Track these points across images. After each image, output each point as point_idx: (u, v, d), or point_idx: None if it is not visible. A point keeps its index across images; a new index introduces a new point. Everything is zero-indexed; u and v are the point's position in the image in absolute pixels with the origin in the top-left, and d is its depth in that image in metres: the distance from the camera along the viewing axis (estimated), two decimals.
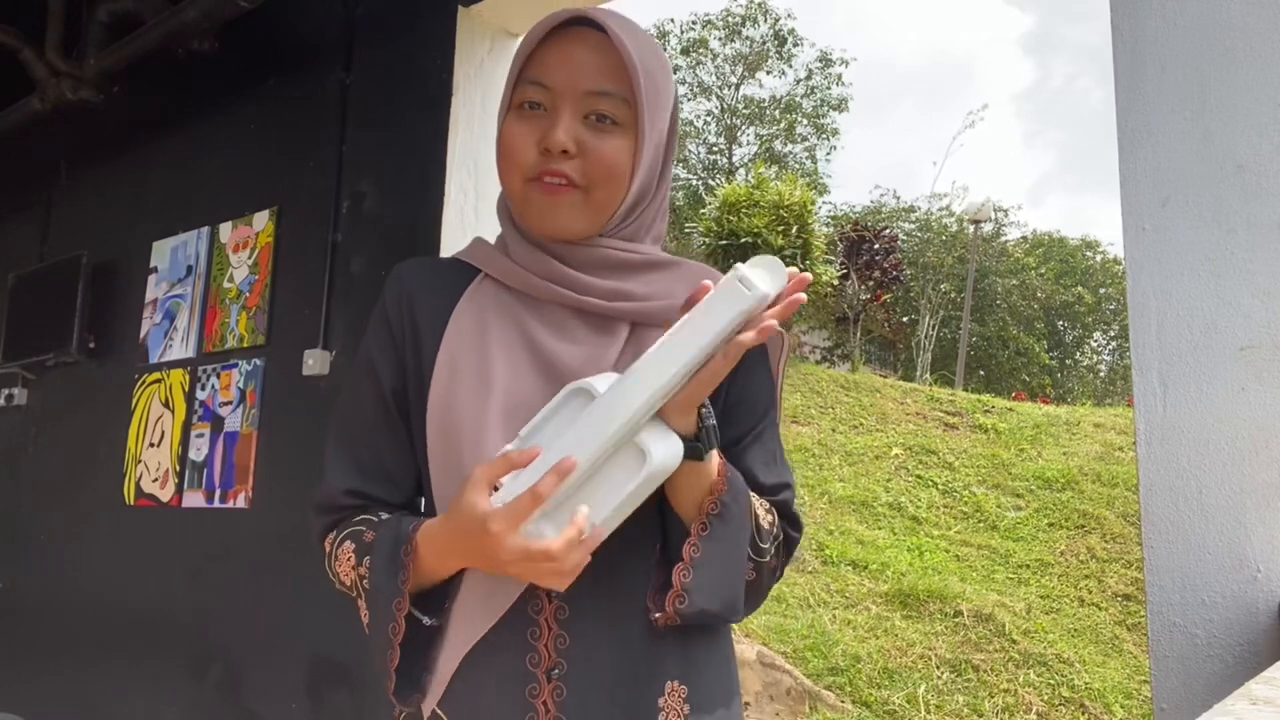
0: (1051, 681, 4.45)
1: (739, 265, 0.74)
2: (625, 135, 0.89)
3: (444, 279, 0.96)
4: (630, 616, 0.85)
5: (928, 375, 13.62)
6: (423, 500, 0.95)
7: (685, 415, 0.79)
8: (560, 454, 0.75)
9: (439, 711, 0.85)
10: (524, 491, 0.75)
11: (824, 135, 20.91)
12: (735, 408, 0.92)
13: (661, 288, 0.92)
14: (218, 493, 2.51)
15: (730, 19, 20.16)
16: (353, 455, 0.94)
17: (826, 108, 20.71)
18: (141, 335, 2.89)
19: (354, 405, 0.95)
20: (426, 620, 0.86)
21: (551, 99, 0.88)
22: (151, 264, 2.91)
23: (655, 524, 0.87)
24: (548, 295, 0.90)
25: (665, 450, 0.76)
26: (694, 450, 0.80)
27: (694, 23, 20.42)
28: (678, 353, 0.74)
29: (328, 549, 0.92)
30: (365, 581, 0.86)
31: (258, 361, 2.50)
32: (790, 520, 0.93)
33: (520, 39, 0.96)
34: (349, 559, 0.88)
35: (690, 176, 20.72)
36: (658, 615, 0.83)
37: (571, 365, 0.87)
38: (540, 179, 0.88)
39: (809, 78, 20.57)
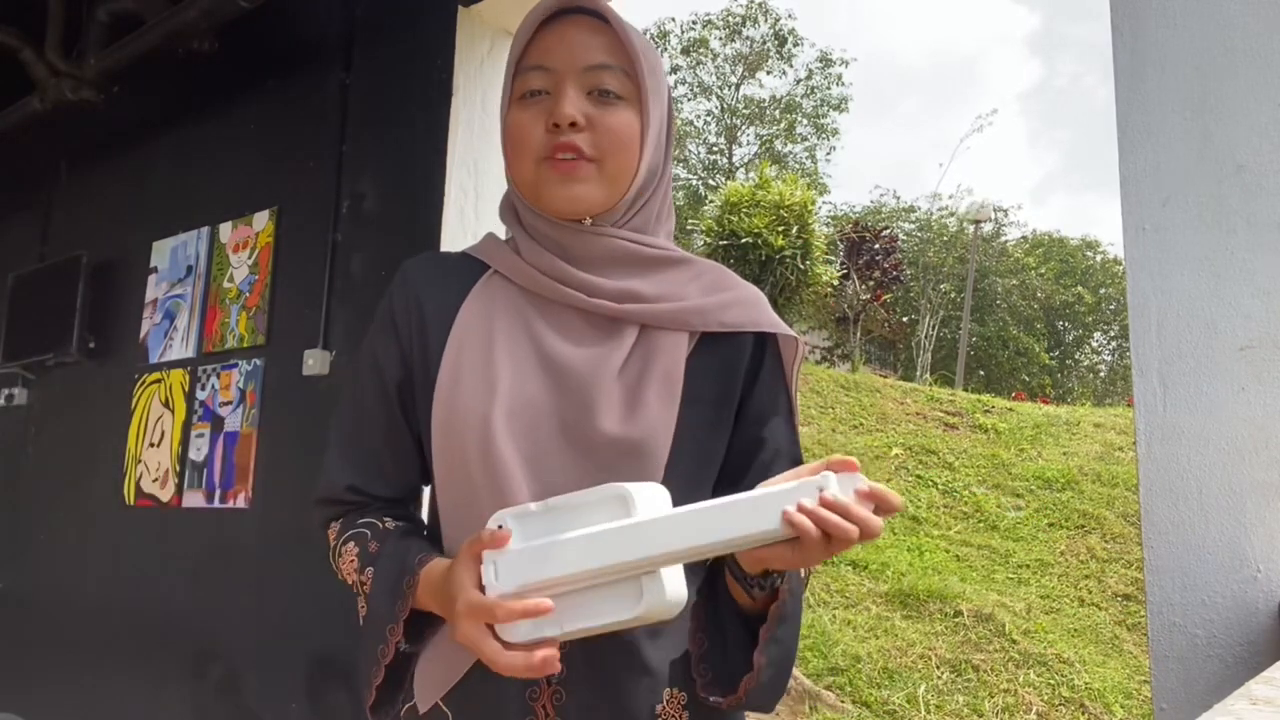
0: (1051, 681, 4.45)
1: (828, 474, 0.71)
2: (630, 108, 0.89)
3: (452, 274, 0.95)
4: None
5: (928, 375, 13.63)
6: (427, 494, 0.95)
7: (753, 567, 0.79)
8: (575, 550, 0.73)
9: (442, 706, 0.85)
10: (512, 598, 0.73)
11: (824, 135, 20.93)
12: (751, 424, 0.92)
13: (672, 288, 0.91)
14: (218, 493, 2.51)
15: (730, 19, 20.17)
16: (351, 451, 0.94)
17: (826, 108, 20.73)
18: (141, 335, 2.89)
19: (354, 400, 0.95)
20: (404, 646, 0.85)
21: (553, 80, 0.89)
22: (151, 264, 2.91)
23: None
24: (556, 296, 0.90)
25: (664, 600, 0.73)
26: (748, 591, 0.80)
27: (694, 23, 20.46)
28: (727, 525, 0.72)
29: (332, 542, 0.92)
30: (366, 588, 0.87)
31: (258, 361, 2.50)
32: None
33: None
34: (352, 561, 0.89)
35: (690, 176, 20.73)
36: (716, 699, 0.83)
37: (577, 367, 0.86)
38: (552, 157, 0.88)
39: (809, 78, 20.59)
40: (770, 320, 0.93)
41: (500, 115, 0.94)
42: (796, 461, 0.94)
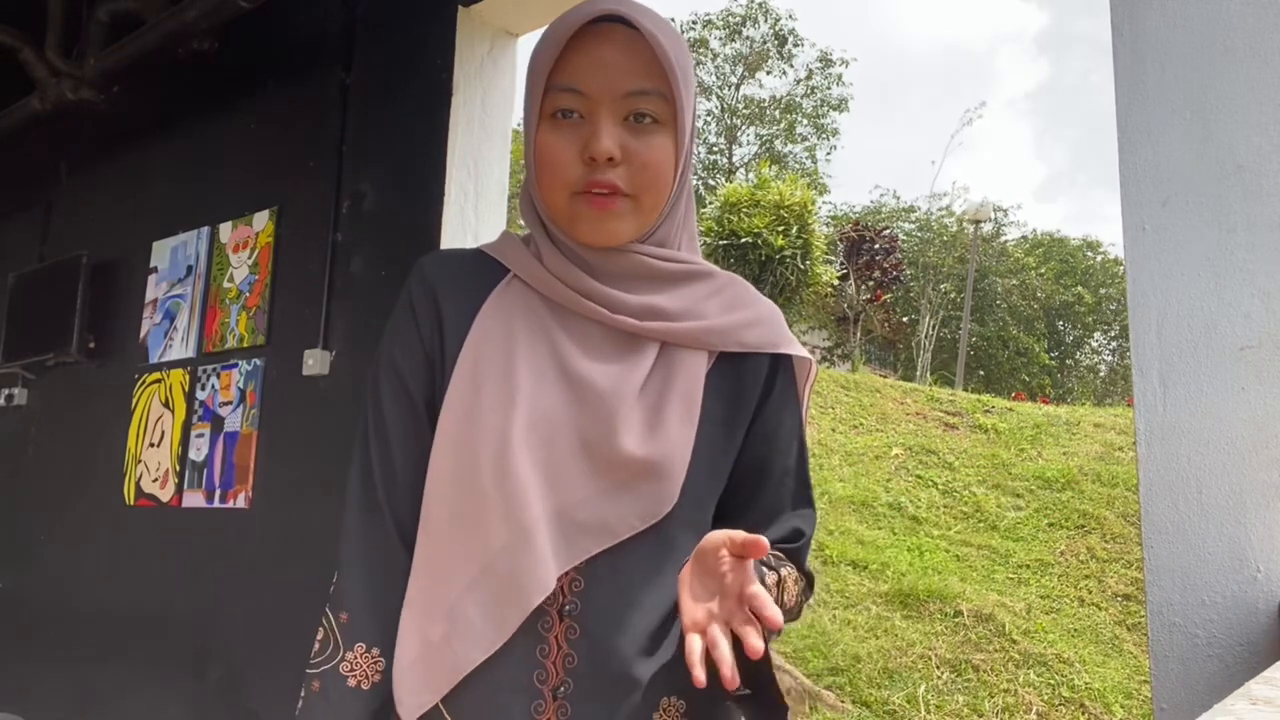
0: (1051, 681, 4.46)
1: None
2: (665, 132, 0.87)
3: (469, 275, 0.93)
4: (638, 638, 0.84)
5: (928, 375, 13.64)
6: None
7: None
8: None
9: (442, 708, 0.84)
10: None
11: (824, 135, 20.94)
12: (761, 443, 0.92)
13: (693, 304, 0.90)
14: (218, 493, 2.51)
15: (730, 19, 20.17)
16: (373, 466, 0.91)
17: (826, 108, 20.73)
18: (141, 335, 2.89)
19: (374, 412, 0.92)
20: None
21: (588, 105, 0.85)
22: (151, 264, 2.91)
23: (675, 554, 0.85)
24: (578, 309, 0.88)
25: None
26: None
27: (694, 23, 20.44)
28: None
29: (324, 623, 0.91)
30: (304, 698, 0.87)
31: (258, 361, 2.50)
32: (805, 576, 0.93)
33: (531, 37, 0.94)
34: (316, 644, 0.88)
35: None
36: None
37: (598, 383, 0.85)
38: (588, 192, 0.85)
39: (809, 78, 20.59)
40: (786, 340, 0.93)
41: (526, 128, 0.91)
42: (804, 481, 0.95)
